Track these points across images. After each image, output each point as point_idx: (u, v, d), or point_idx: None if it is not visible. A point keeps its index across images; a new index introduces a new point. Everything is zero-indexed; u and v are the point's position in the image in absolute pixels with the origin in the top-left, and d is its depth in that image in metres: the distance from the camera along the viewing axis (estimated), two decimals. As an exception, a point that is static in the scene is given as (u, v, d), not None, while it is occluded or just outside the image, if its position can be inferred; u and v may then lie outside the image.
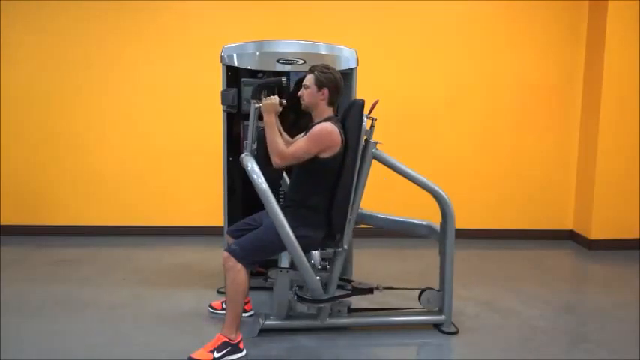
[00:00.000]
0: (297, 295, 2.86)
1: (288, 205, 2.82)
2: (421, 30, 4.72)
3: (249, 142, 2.84)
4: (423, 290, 3.04)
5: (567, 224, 4.97)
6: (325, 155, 2.70)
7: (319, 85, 2.74)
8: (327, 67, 2.80)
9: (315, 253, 2.90)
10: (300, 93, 2.81)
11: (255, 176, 2.65)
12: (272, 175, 2.82)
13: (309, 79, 2.78)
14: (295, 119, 3.29)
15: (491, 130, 4.84)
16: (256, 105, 2.80)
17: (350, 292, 2.97)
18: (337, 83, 2.77)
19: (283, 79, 2.86)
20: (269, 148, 2.70)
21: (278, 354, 2.76)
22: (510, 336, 2.98)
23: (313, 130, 2.72)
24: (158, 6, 4.59)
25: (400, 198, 4.19)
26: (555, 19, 4.74)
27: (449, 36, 4.73)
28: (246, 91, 3.41)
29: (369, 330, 3.03)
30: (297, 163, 2.74)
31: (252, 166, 2.69)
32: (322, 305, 2.87)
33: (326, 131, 2.69)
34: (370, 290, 2.99)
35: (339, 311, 2.97)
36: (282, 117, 2.86)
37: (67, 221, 4.76)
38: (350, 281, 3.07)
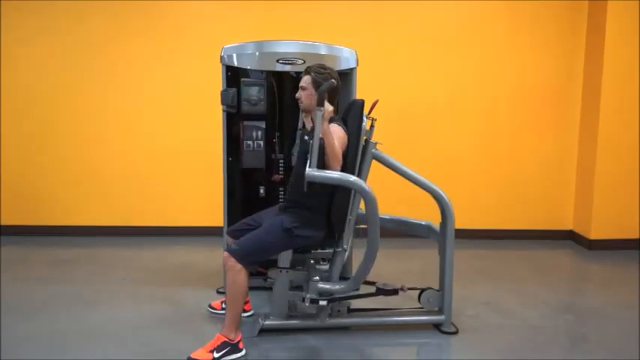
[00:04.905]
0: (310, 298, 2.80)
1: (288, 205, 2.82)
2: (421, 30, 4.72)
3: (316, 155, 2.57)
4: (423, 290, 3.04)
5: (567, 224, 4.97)
6: None
7: (317, 86, 2.72)
8: (323, 67, 2.79)
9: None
10: (297, 95, 2.80)
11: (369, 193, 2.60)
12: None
13: (305, 81, 2.76)
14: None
15: (491, 130, 4.84)
16: (321, 112, 2.55)
17: (374, 293, 2.95)
18: (335, 83, 2.76)
19: (333, 81, 2.67)
20: (331, 154, 2.61)
21: (278, 354, 2.76)
22: (510, 336, 2.98)
23: (339, 134, 2.69)
24: (158, 6, 4.59)
25: (400, 198, 4.19)
26: (555, 19, 4.74)
27: (449, 36, 4.73)
28: (246, 91, 3.41)
29: (369, 330, 3.03)
30: (297, 164, 2.74)
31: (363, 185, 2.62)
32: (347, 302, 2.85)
33: (343, 133, 2.71)
34: (395, 291, 2.94)
35: (339, 311, 2.97)
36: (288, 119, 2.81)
37: (67, 221, 4.76)
38: (373, 282, 3.02)
